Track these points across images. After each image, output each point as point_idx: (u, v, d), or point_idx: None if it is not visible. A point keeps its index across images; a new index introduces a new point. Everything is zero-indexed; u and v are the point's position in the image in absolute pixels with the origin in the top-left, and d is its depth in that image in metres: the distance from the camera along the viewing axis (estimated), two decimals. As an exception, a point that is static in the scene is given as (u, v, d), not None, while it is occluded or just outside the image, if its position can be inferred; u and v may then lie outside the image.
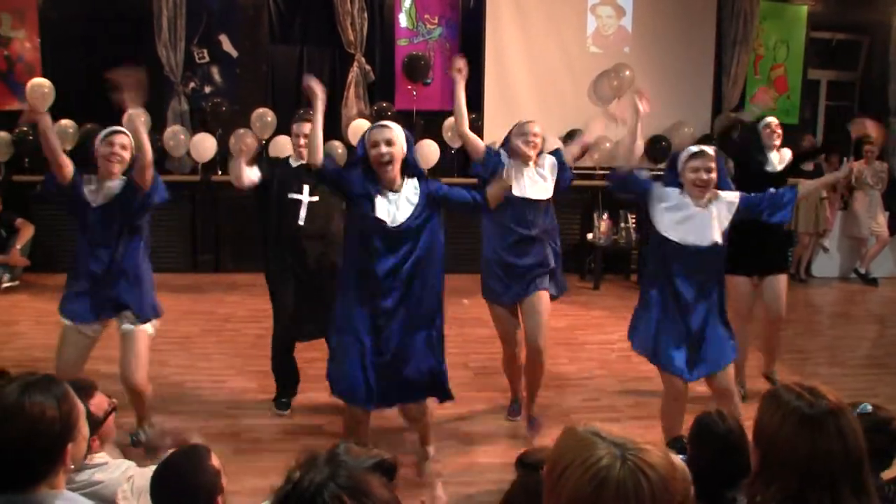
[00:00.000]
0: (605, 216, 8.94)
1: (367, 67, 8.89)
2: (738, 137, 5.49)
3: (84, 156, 4.34)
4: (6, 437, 1.82)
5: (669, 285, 3.95)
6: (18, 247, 7.94)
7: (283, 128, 8.44)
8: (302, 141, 4.77)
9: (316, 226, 4.76)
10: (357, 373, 3.64)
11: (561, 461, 1.41)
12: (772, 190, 4.07)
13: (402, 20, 9.01)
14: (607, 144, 8.98)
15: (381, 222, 3.61)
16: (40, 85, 8.31)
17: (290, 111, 8.51)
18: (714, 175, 3.87)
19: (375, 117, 8.63)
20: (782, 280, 5.23)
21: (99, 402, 2.64)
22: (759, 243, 4.92)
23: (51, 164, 3.95)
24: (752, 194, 4.02)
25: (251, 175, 4.65)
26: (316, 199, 4.76)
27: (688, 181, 3.90)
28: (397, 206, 3.65)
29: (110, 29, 8.52)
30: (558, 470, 1.40)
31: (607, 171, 9.09)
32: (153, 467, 2.46)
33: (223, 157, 8.60)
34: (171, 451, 2.46)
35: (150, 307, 4.16)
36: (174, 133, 8.43)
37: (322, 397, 5.00)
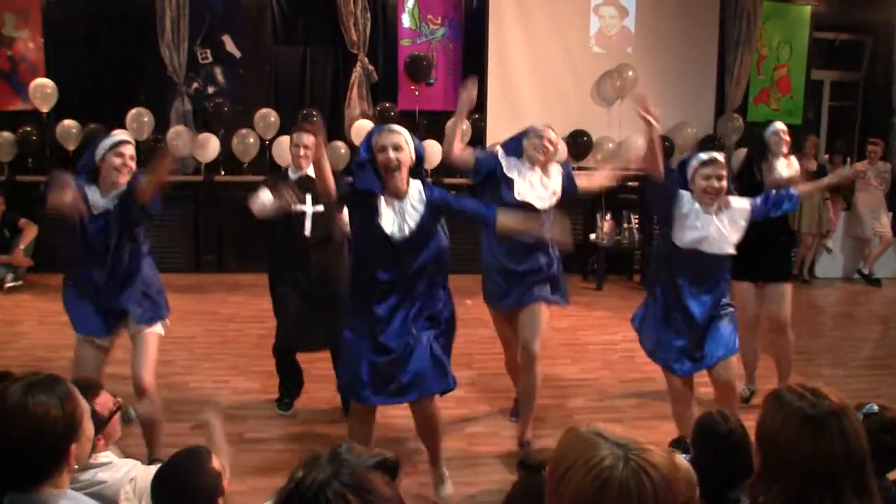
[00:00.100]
0: (608, 216, 8.93)
1: (370, 68, 8.89)
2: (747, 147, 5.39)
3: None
4: (10, 438, 1.82)
5: (674, 289, 3.95)
6: (22, 247, 7.95)
7: (286, 128, 8.45)
8: (301, 151, 4.73)
9: (321, 234, 4.75)
10: (359, 369, 3.63)
11: (564, 462, 1.41)
12: (773, 192, 4.09)
13: (405, 20, 9.01)
14: (610, 145, 8.98)
15: (387, 237, 3.57)
16: (43, 85, 8.34)
17: (294, 111, 8.56)
18: (725, 183, 3.87)
19: (378, 118, 8.64)
20: (787, 288, 5.13)
21: (104, 401, 2.65)
22: (762, 249, 4.86)
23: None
24: (758, 201, 4.03)
25: (266, 202, 4.65)
26: (320, 208, 4.75)
27: (698, 188, 3.89)
28: (403, 216, 3.60)
29: (114, 29, 8.54)
30: (561, 470, 1.40)
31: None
32: (156, 468, 2.47)
33: (226, 158, 8.62)
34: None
35: (159, 311, 4.08)
36: (177, 133, 8.43)
37: (325, 397, 5.02)
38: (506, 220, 3.74)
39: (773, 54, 9.62)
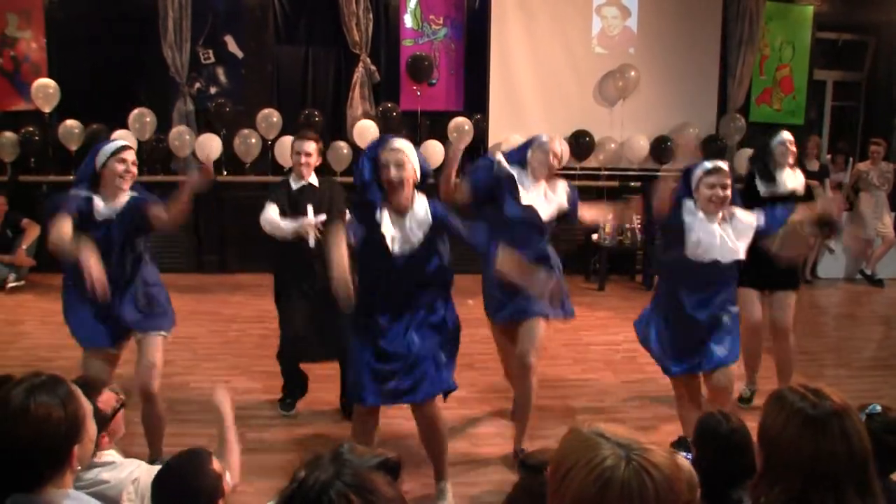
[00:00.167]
0: (610, 217, 8.93)
1: (373, 68, 8.89)
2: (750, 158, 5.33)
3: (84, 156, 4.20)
4: (13, 439, 1.82)
5: (678, 299, 3.96)
6: (24, 247, 7.96)
7: (288, 128, 8.46)
8: (303, 159, 4.71)
9: (325, 244, 4.74)
10: (361, 372, 3.65)
11: (565, 462, 1.41)
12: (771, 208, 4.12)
13: (408, 21, 9.02)
14: (612, 145, 8.98)
15: (389, 252, 3.56)
16: (45, 86, 8.35)
17: (296, 112, 8.58)
18: (729, 192, 3.87)
19: (380, 118, 8.65)
20: (793, 297, 5.12)
21: (107, 399, 2.65)
22: (768, 258, 4.82)
23: None
24: (763, 218, 4.03)
25: (286, 228, 4.64)
26: (322, 217, 4.74)
27: (703, 197, 3.88)
28: (405, 231, 3.59)
29: (116, 29, 8.54)
30: (563, 470, 1.40)
31: (611, 171, 9.12)
32: (158, 468, 2.47)
33: (228, 158, 8.62)
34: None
35: (165, 320, 4.06)
36: (179, 133, 8.45)
37: (328, 397, 5.02)
38: (505, 262, 3.66)
39: (775, 54, 9.61)
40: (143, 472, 2.57)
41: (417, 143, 8.59)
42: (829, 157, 9.74)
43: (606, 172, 9.13)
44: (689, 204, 3.93)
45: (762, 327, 5.14)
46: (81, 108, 8.38)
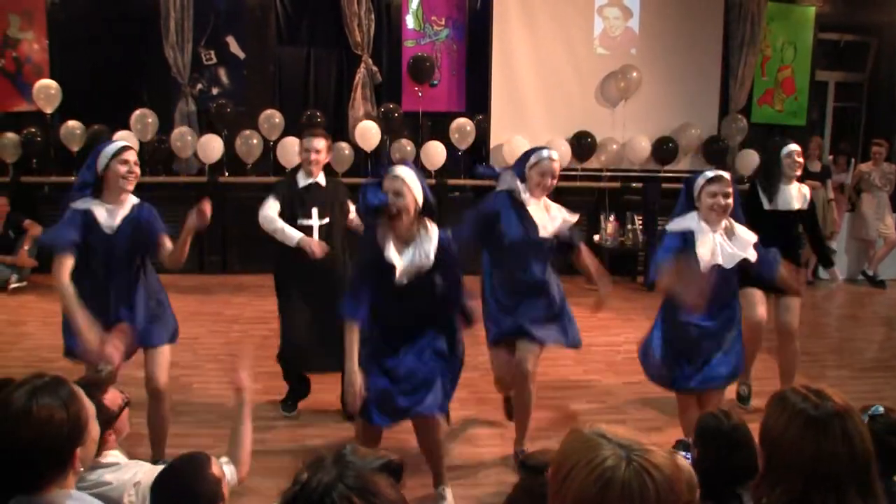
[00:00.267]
0: (611, 218, 8.94)
1: (374, 69, 8.90)
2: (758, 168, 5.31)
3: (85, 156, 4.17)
4: (15, 441, 1.82)
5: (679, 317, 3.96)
6: (26, 248, 7.96)
7: (290, 129, 8.47)
8: (312, 156, 4.69)
9: (329, 247, 4.73)
10: (367, 389, 3.66)
11: (566, 462, 1.41)
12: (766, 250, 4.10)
13: (409, 21, 9.02)
14: (614, 146, 8.98)
15: (391, 279, 3.57)
16: (47, 86, 8.36)
17: (298, 112, 8.58)
18: (731, 201, 3.87)
19: (382, 118, 8.65)
20: (796, 300, 5.09)
21: (113, 397, 2.65)
22: None
23: None
24: (761, 254, 4.02)
25: (291, 236, 4.63)
26: (326, 221, 4.74)
27: (705, 206, 3.89)
28: (412, 261, 3.58)
29: (118, 30, 8.55)
30: (564, 471, 1.40)
31: (613, 172, 9.11)
32: (160, 468, 2.47)
33: (230, 159, 8.62)
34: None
35: (169, 335, 4.03)
36: (181, 134, 8.46)
37: (329, 398, 5.01)
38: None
39: (777, 55, 9.60)
40: (144, 474, 2.57)
41: (419, 144, 8.65)
42: (830, 158, 9.74)
43: (608, 173, 9.13)
44: (692, 217, 3.94)
45: (764, 328, 5.14)
46: (83, 109, 8.39)
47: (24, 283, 7.90)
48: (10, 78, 8.64)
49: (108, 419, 2.53)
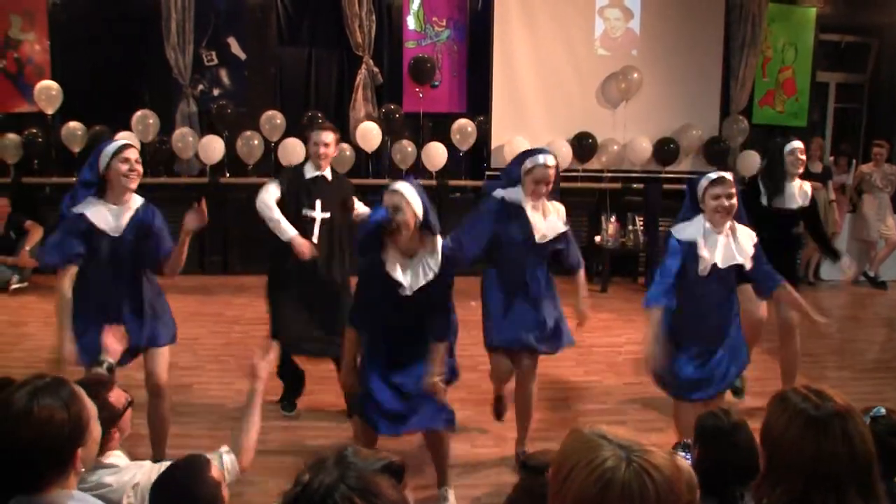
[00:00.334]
0: (612, 219, 8.93)
1: (375, 70, 8.90)
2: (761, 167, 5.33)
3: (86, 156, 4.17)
4: (16, 442, 1.82)
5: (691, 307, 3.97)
6: (27, 248, 7.96)
7: (291, 130, 8.47)
8: (322, 150, 4.70)
9: (328, 242, 4.74)
10: (370, 396, 3.70)
11: (567, 462, 1.41)
12: (768, 267, 4.12)
13: (410, 22, 9.02)
14: (615, 147, 8.98)
15: (391, 291, 3.61)
16: (48, 87, 8.37)
17: (299, 113, 8.58)
18: (735, 201, 3.89)
19: (383, 119, 8.66)
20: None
21: (117, 395, 2.65)
22: (769, 257, 4.82)
23: None
24: (759, 254, 4.03)
25: (272, 200, 4.65)
26: (328, 215, 4.74)
27: (709, 208, 3.90)
28: (412, 274, 3.62)
29: (119, 31, 8.55)
30: (564, 471, 1.40)
31: (614, 173, 9.11)
32: (159, 468, 2.47)
33: (231, 159, 8.63)
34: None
35: (169, 336, 4.04)
36: (182, 135, 8.46)
37: (330, 398, 5.02)
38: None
39: (778, 56, 9.60)
40: (143, 475, 2.57)
41: (420, 146, 8.65)
42: (831, 159, 9.73)
43: (609, 174, 9.13)
44: (698, 221, 3.95)
45: (762, 326, 5.15)
46: (84, 110, 8.39)
47: (26, 284, 7.90)
48: (11, 79, 8.65)
49: (112, 417, 2.54)
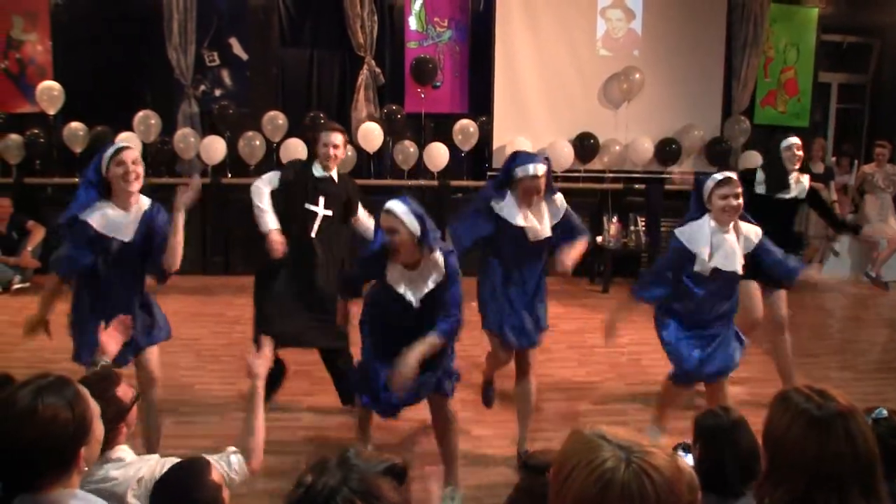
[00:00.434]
0: (614, 219, 8.93)
1: (377, 70, 8.90)
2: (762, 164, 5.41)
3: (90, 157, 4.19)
4: (20, 441, 1.82)
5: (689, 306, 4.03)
6: (29, 249, 7.98)
7: (293, 130, 8.47)
8: (332, 151, 4.70)
9: (326, 240, 4.75)
10: (369, 385, 3.77)
11: (567, 463, 1.41)
12: (780, 256, 4.16)
13: (412, 23, 9.02)
14: (617, 147, 8.98)
15: (395, 301, 3.68)
16: (50, 88, 8.37)
17: (301, 114, 8.58)
18: (742, 201, 3.95)
19: (385, 120, 8.66)
20: (783, 292, 5.21)
21: (125, 390, 2.66)
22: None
23: None
24: (768, 247, 4.10)
25: (267, 190, 4.70)
26: (329, 213, 4.74)
27: (716, 208, 3.96)
28: (416, 285, 3.68)
29: (121, 32, 8.56)
30: (564, 472, 1.41)
31: (616, 174, 9.11)
32: (163, 462, 2.47)
33: (233, 160, 8.63)
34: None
35: (164, 334, 4.10)
36: (184, 136, 8.47)
37: (330, 399, 5.01)
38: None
39: (780, 57, 9.60)
40: (148, 470, 2.57)
41: (421, 146, 8.65)
42: (833, 159, 9.73)
43: (611, 175, 9.12)
44: (705, 221, 4.00)
45: (759, 325, 5.18)
46: (86, 111, 8.40)
47: (28, 284, 7.91)
48: (13, 79, 8.66)
49: (121, 412, 2.54)
